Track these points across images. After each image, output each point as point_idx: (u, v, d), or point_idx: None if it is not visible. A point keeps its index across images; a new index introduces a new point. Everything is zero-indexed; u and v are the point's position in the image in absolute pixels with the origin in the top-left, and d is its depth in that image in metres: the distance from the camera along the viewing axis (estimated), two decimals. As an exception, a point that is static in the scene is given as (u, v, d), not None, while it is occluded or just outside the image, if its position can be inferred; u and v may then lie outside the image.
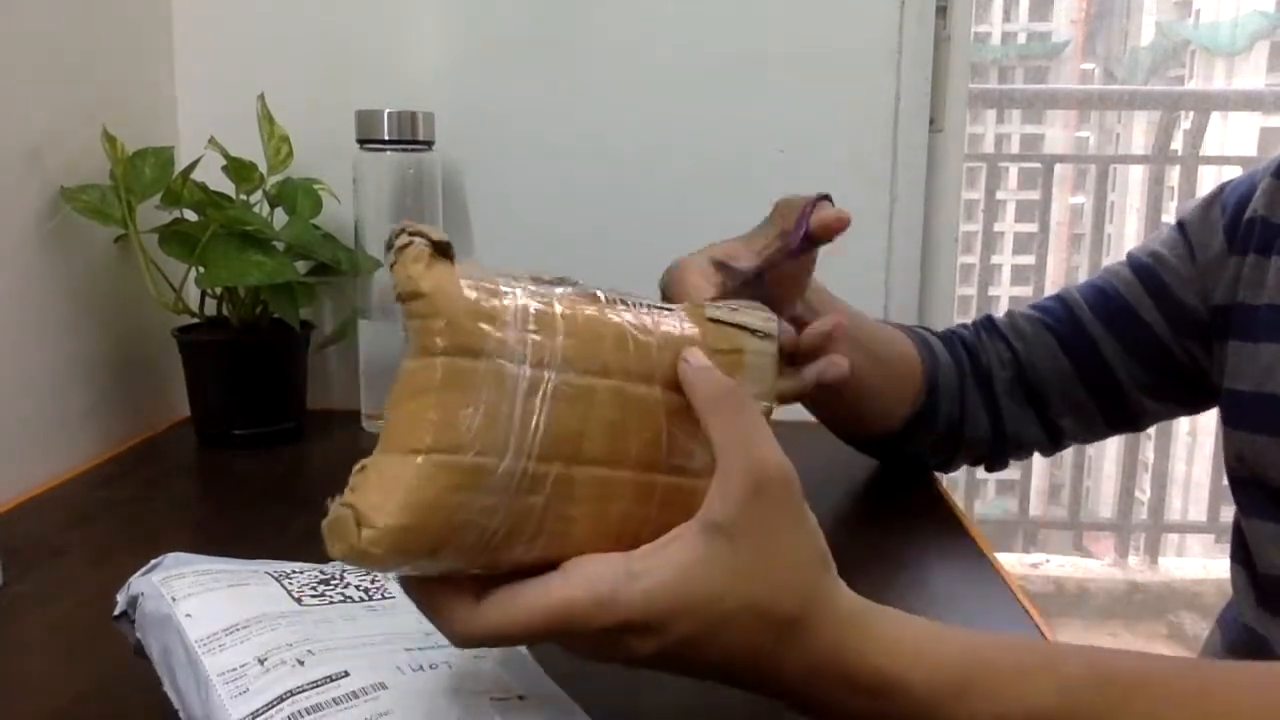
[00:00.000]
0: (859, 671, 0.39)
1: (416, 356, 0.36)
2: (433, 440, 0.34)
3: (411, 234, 0.37)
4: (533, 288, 0.38)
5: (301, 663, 0.41)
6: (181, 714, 0.42)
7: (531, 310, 0.37)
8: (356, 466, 0.35)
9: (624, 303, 0.40)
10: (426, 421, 0.35)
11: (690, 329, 0.41)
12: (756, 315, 0.43)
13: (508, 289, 0.37)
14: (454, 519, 0.34)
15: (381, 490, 0.34)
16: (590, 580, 0.36)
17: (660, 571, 0.37)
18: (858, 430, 0.81)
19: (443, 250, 0.37)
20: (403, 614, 0.47)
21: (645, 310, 0.41)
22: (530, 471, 0.36)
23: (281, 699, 0.39)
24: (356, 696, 0.39)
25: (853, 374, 0.69)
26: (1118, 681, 0.39)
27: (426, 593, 0.37)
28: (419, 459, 0.34)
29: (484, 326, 0.36)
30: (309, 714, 0.38)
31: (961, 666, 0.39)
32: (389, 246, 0.37)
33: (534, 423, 0.36)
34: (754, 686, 0.40)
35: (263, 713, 0.38)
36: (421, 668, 0.42)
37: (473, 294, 0.36)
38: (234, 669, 0.41)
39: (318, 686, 0.39)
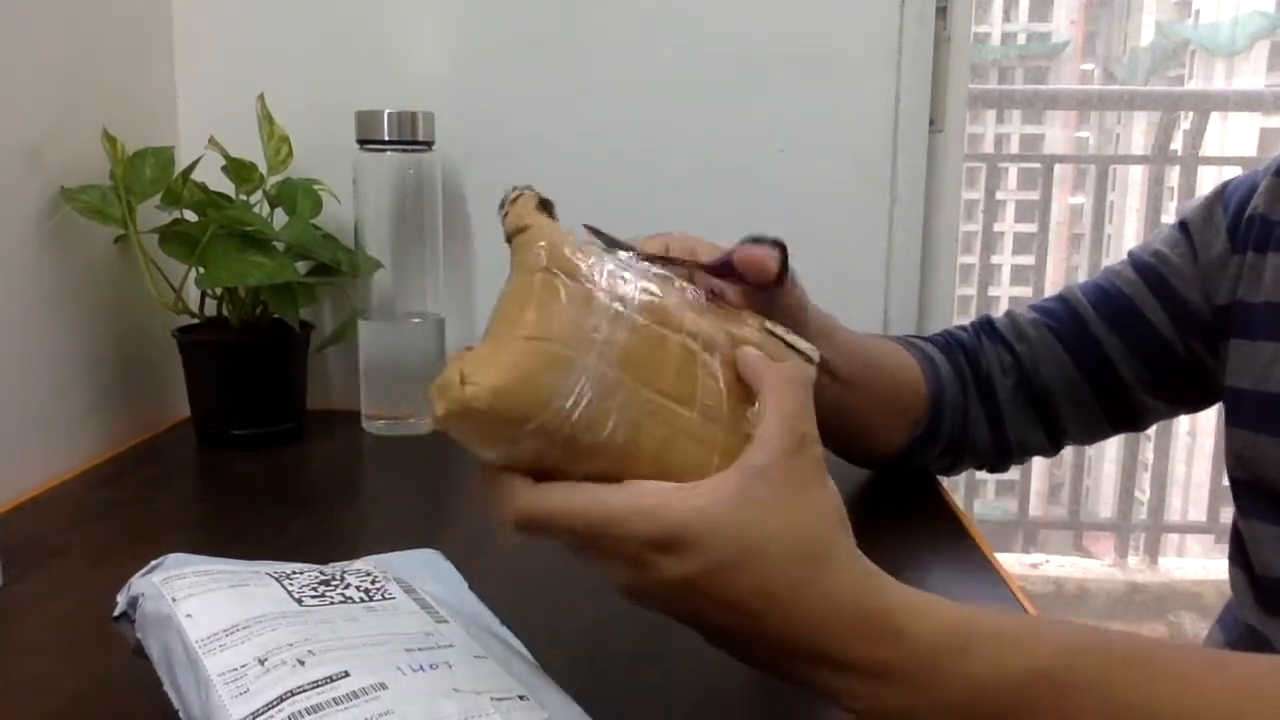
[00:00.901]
0: (870, 613, 0.40)
1: (518, 274, 0.41)
2: (528, 330, 0.39)
3: (528, 188, 0.44)
4: (622, 255, 0.44)
5: (302, 663, 0.41)
6: (181, 714, 0.42)
7: (619, 267, 0.43)
8: (461, 350, 0.40)
9: (695, 291, 0.45)
10: (524, 318, 0.40)
11: (749, 328, 0.46)
12: (804, 342, 0.48)
13: (599, 248, 0.44)
14: (543, 393, 0.38)
15: (485, 360, 0.39)
16: (640, 491, 0.39)
17: (702, 496, 0.39)
18: (859, 452, 0.81)
19: (546, 206, 0.44)
20: (403, 615, 0.47)
21: (713, 301, 0.46)
22: (610, 377, 0.40)
23: (282, 699, 0.39)
24: (357, 696, 0.39)
25: (855, 398, 0.71)
26: (1120, 653, 0.39)
27: (494, 471, 0.40)
28: (516, 342, 0.39)
29: (577, 259, 0.42)
30: (309, 714, 0.38)
31: (964, 624, 0.40)
32: (502, 204, 0.44)
33: (615, 341, 0.40)
34: (761, 634, 0.40)
35: (263, 713, 0.38)
36: (422, 668, 0.42)
37: (567, 238, 0.43)
38: (234, 669, 0.41)
39: (318, 687, 0.39)
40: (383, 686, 0.40)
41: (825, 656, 0.40)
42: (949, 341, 0.81)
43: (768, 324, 0.47)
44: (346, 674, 0.40)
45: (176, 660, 0.43)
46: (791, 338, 0.47)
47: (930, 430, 0.77)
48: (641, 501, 0.39)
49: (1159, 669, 0.39)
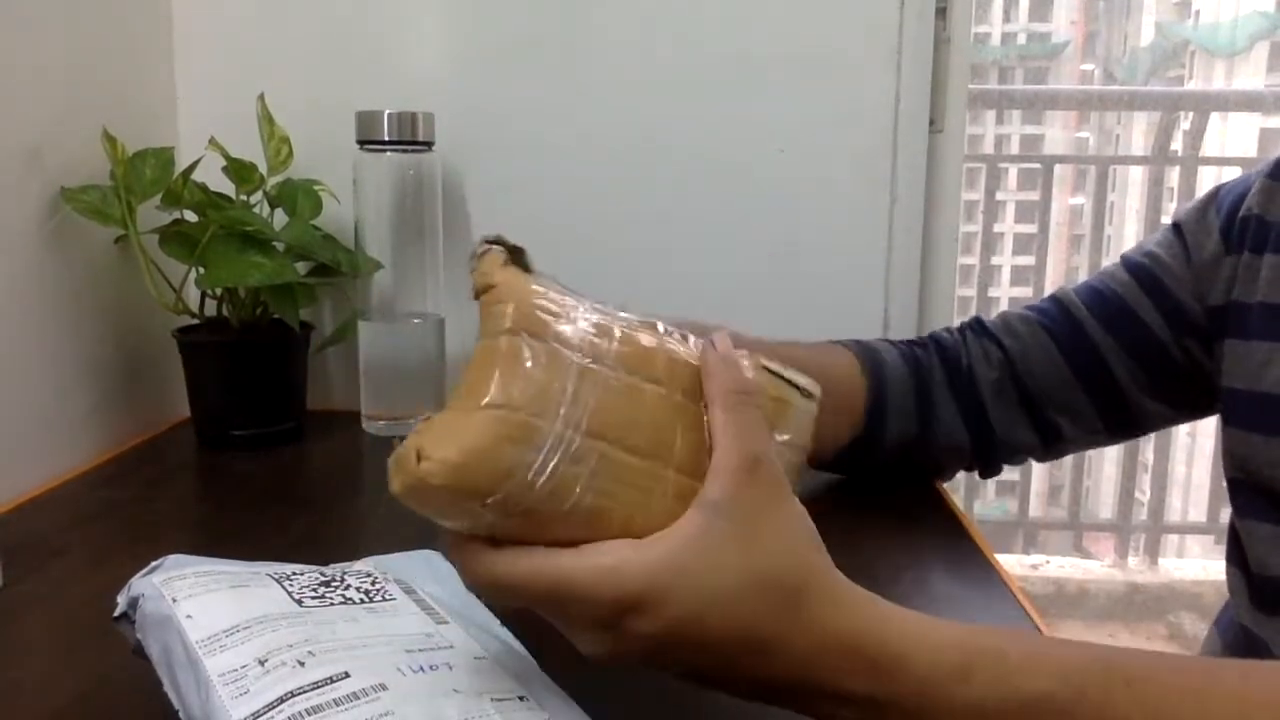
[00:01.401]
0: (862, 645, 0.39)
1: (484, 339, 0.40)
2: (490, 399, 0.38)
3: (491, 243, 0.42)
4: (597, 305, 0.42)
5: (302, 664, 0.41)
6: (181, 714, 0.42)
7: (592, 316, 0.41)
8: (422, 418, 0.40)
9: (681, 335, 0.44)
10: (486, 385, 0.39)
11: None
12: (803, 377, 0.46)
13: (573, 298, 0.42)
14: (503, 466, 0.37)
15: (442, 433, 0.38)
16: (596, 552, 0.38)
17: (660, 547, 0.38)
18: None
19: (517, 258, 0.42)
20: (404, 616, 0.47)
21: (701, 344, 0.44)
22: (577, 443, 0.38)
23: (282, 700, 0.39)
24: (357, 697, 0.39)
25: None
26: (1122, 671, 0.39)
27: (458, 538, 0.40)
28: (477, 412, 0.38)
29: (546, 316, 0.40)
30: (309, 715, 0.38)
31: (962, 650, 0.39)
32: (471, 256, 0.42)
33: (584, 401, 0.39)
34: (751, 676, 0.39)
35: (263, 713, 0.38)
36: (422, 669, 0.42)
37: (539, 289, 0.41)
38: (234, 670, 0.41)
39: (318, 688, 0.39)
40: (383, 687, 0.40)
41: (819, 690, 0.39)
42: (923, 341, 0.81)
43: (763, 361, 0.45)
44: (347, 675, 0.40)
45: (176, 661, 0.43)
46: (789, 373, 0.46)
47: (870, 432, 0.77)
48: (601, 563, 0.37)
49: (1161, 685, 0.39)
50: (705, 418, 0.41)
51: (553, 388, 0.39)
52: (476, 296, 0.41)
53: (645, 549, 0.38)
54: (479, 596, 0.40)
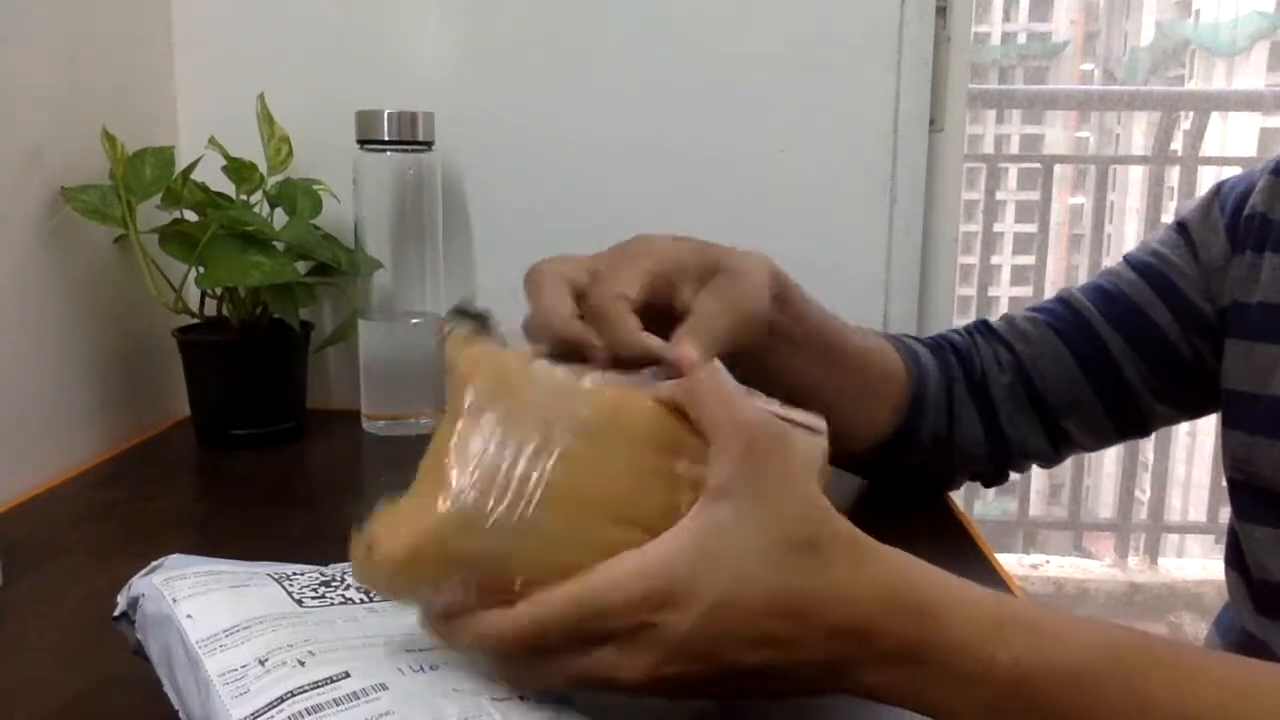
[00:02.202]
0: (897, 596, 0.38)
1: (447, 419, 0.41)
2: (434, 485, 0.39)
3: (458, 311, 0.44)
4: (574, 366, 0.43)
5: (302, 663, 0.41)
6: (181, 714, 0.42)
7: (558, 379, 0.42)
8: (384, 502, 0.41)
9: (666, 376, 0.43)
10: (435, 470, 0.40)
11: None
12: (806, 415, 0.46)
13: (542, 364, 0.42)
14: (452, 555, 0.39)
15: (390, 525, 0.40)
16: (609, 566, 0.38)
17: (676, 538, 0.38)
18: (835, 446, 0.78)
19: (482, 324, 0.43)
20: (405, 615, 0.47)
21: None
22: (530, 519, 0.38)
23: (282, 699, 0.39)
24: (357, 697, 0.39)
25: (835, 383, 0.69)
26: (1151, 652, 0.39)
27: (443, 624, 0.40)
28: (421, 500, 0.40)
29: (505, 396, 0.40)
30: (309, 714, 0.38)
31: (997, 611, 0.39)
32: (436, 332, 0.45)
33: (535, 478, 0.39)
34: (790, 658, 0.38)
35: (263, 713, 0.38)
36: (422, 669, 0.42)
37: (501, 365, 0.42)
38: (234, 669, 0.41)
39: (318, 687, 0.39)
40: (383, 687, 0.40)
41: (856, 656, 0.38)
42: (939, 343, 0.79)
43: (761, 400, 0.44)
44: (347, 674, 0.40)
45: (177, 661, 0.43)
46: (790, 413, 0.45)
47: (910, 424, 0.74)
48: (621, 570, 0.37)
49: (1191, 670, 0.39)
50: (687, 471, 0.40)
51: (501, 467, 0.39)
52: (441, 377, 0.43)
53: (660, 545, 0.38)
54: (513, 684, 0.41)
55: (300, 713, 0.38)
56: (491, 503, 0.38)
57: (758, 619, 0.37)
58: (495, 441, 0.39)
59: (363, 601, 0.47)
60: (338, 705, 0.39)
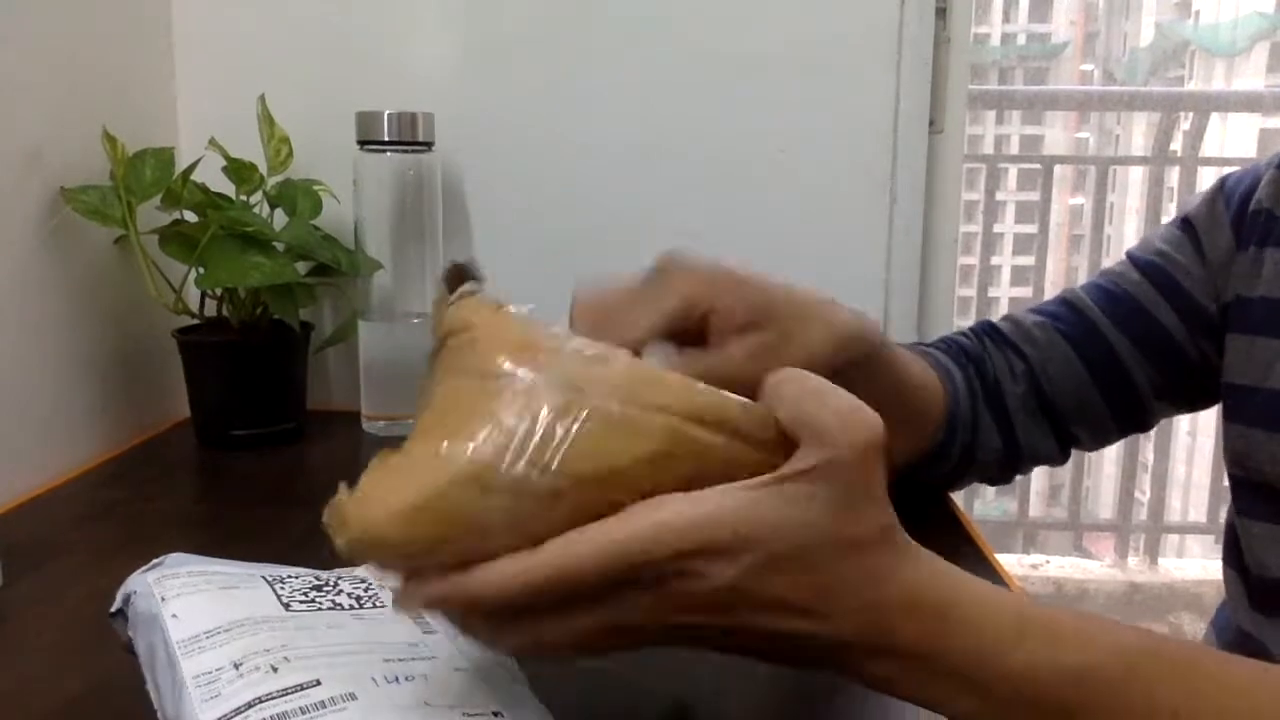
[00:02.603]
0: (923, 597, 0.38)
1: (451, 378, 0.38)
2: (436, 440, 0.36)
3: (459, 269, 0.40)
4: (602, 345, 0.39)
5: (275, 669, 0.40)
6: (159, 714, 0.42)
7: (586, 351, 0.38)
8: (375, 460, 0.37)
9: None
10: (437, 427, 0.37)
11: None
12: None
13: (567, 334, 0.39)
14: (457, 513, 0.35)
15: (383, 481, 0.36)
16: (647, 508, 0.36)
17: (733, 494, 0.36)
18: None
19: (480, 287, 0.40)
20: (390, 624, 0.46)
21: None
22: (545, 484, 0.35)
23: (250, 705, 0.38)
24: (324, 706, 0.39)
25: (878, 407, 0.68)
26: (1169, 657, 0.39)
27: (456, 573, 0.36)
28: (421, 454, 0.36)
29: (517, 354, 0.37)
30: None
31: (1018, 615, 0.39)
32: (448, 289, 0.40)
33: (556, 440, 0.36)
34: (805, 636, 0.37)
35: (230, 718, 0.38)
36: (397, 679, 0.41)
37: (520, 327, 0.38)
38: (208, 672, 0.40)
39: (286, 695, 0.39)
40: (352, 697, 0.39)
41: (869, 646, 0.38)
42: (953, 346, 0.78)
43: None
44: (318, 683, 0.40)
45: (159, 660, 0.43)
46: None
47: (944, 443, 0.73)
48: (664, 513, 0.35)
49: (1205, 674, 0.39)
50: (725, 445, 0.37)
51: (519, 428, 0.36)
52: (446, 335, 0.39)
53: (716, 494, 0.36)
54: (503, 644, 0.38)
55: (267, 719, 0.38)
56: (509, 459, 0.35)
57: (793, 591, 0.37)
58: (518, 401, 0.36)
59: (351, 608, 0.47)
60: (304, 713, 0.38)
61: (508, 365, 0.37)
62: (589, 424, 0.36)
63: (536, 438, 0.35)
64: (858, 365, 0.56)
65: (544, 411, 0.36)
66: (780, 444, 0.38)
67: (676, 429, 0.37)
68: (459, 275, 0.41)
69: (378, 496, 0.36)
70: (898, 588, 0.38)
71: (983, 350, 0.77)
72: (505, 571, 0.35)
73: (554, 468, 0.35)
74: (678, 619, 0.37)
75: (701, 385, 0.38)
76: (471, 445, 0.35)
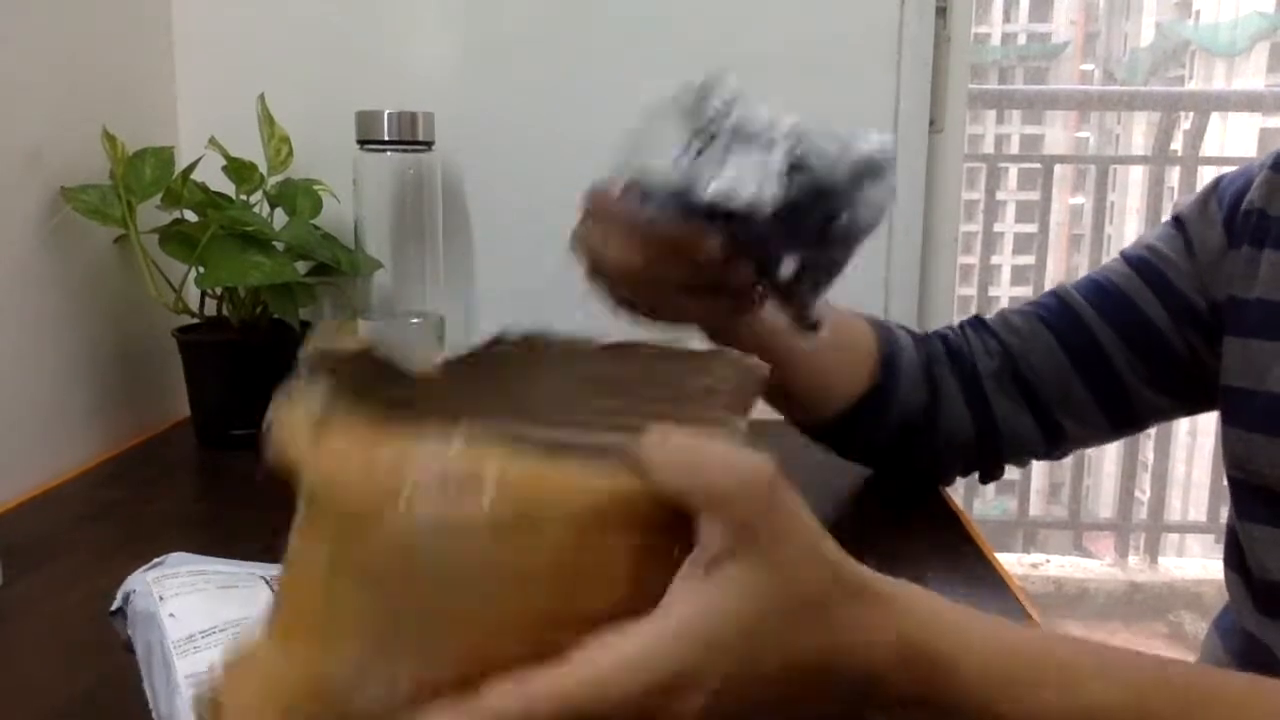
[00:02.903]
0: (912, 650, 0.36)
1: (297, 540, 0.35)
2: (292, 630, 0.33)
3: (321, 356, 0.34)
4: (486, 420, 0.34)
5: None
6: (154, 713, 0.43)
7: (451, 467, 0.31)
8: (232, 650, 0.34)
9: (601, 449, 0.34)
10: (293, 609, 0.33)
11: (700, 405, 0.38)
12: (732, 351, 0.40)
13: (430, 443, 0.32)
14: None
15: (242, 681, 0.33)
16: (586, 659, 0.32)
17: (667, 622, 0.33)
18: (801, 413, 0.77)
19: (362, 365, 0.35)
20: None
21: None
22: (427, 678, 0.31)
23: None
24: None
25: (799, 354, 0.68)
26: (1181, 686, 0.39)
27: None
28: (280, 648, 0.33)
29: (360, 520, 0.32)
30: None
31: (1035, 652, 0.38)
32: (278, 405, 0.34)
33: (437, 608, 0.31)
34: (815, 699, 0.36)
35: None
36: None
37: (369, 469, 0.32)
38: (202, 672, 0.41)
39: None
40: None
41: (885, 697, 0.37)
42: (927, 334, 0.79)
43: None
44: None
45: (155, 658, 0.43)
46: (720, 350, 0.40)
47: (881, 392, 0.73)
48: (601, 664, 0.31)
49: (1220, 703, 0.39)
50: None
51: (392, 601, 0.30)
52: (279, 469, 0.33)
53: (650, 627, 0.32)
54: None
55: None
56: (367, 674, 0.30)
57: (772, 685, 0.34)
58: (367, 582, 0.31)
59: None
60: None
61: (350, 536, 0.32)
62: (460, 583, 0.30)
63: (404, 635, 0.31)
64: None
65: (425, 564, 0.30)
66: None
67: (565, 547, 0.31)
68: (316, 358, 0.35)
69: (238, 707, 0.32)
70: (880, 648, 0.36)
71: (963, 338, 0.79)
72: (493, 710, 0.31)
73: (438, 642, 0.31)
74: None
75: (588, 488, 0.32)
76: (327, 658, 0.31)
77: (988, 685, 0.37)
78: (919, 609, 0.38)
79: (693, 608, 0.33)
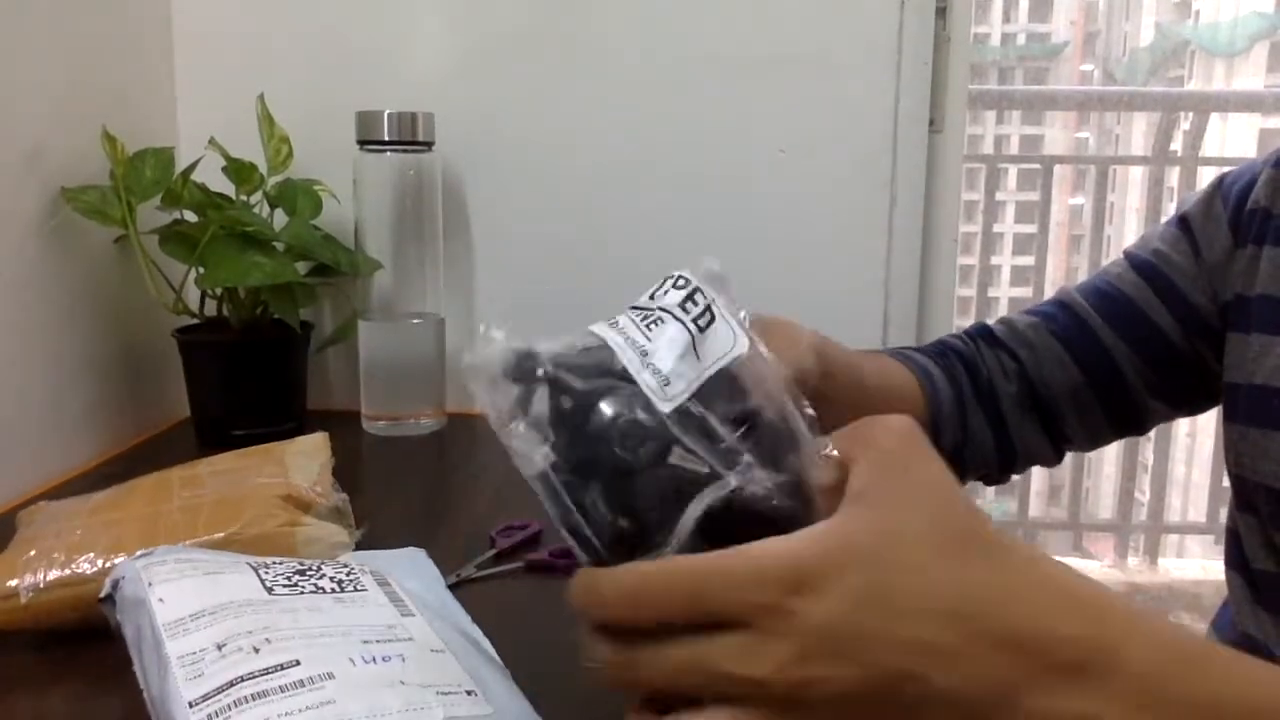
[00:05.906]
0: (1082, 591, 0.34)
1: None
2: None
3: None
4: None
5: (257, 650, 0.41)
6: (145, 694, 0.43)
7: None
8: None
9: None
10: None
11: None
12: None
13: None
14: None
15: None
16: (736, 549, 0.33)
17: (817, 527, 0.34)
18: None
19: None
20: (371, 607, 0.47)
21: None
22: None
23: (231, 684, 0.40)
24: (302, 685, 0.40)
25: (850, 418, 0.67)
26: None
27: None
28: None
29: None
30: (254, 700, 0.39)
31: (1196, 639, 0.35)
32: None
33: None
34: (942, 668, 0.32)
35: (212, 696, 0.39)
36: (374, 660, 0.43)
37: None
38: (193, 653, 0.42)
39: (267, 674, 0.40)
40: (330, 676, 0.40)
41: (1024, 674, 0.32)
42: (944, 350, 0.78)
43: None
44: (297, 663, 0.41)
45: (145, 642, 0.44)
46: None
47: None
48: (750, 549, 0.33)
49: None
50: None
51: None
52: None
53: (801, 532, 0.33)
54: (608, 669, 0.34)
55: (246, 697, 0.39)
56: None
57: (913, 618, 0.32)
58: None
59: (333, 591, 0.48)
60: (283, 691, 0.39)
61: None
62: None
63: None
64: (825, 379, 0.58)
65: None
66: None
67: None
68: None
69: None
70: (1047, 596, 0.33)
71: (976, 352, 0.77)
72: (579, 581, 0.35)
73: None
74: (797, 670, 0.32)
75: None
76: None
77: (1159, 660, 0.33)
78: (1080, 573, 0.35)
79: (836, 519, 0.34)
